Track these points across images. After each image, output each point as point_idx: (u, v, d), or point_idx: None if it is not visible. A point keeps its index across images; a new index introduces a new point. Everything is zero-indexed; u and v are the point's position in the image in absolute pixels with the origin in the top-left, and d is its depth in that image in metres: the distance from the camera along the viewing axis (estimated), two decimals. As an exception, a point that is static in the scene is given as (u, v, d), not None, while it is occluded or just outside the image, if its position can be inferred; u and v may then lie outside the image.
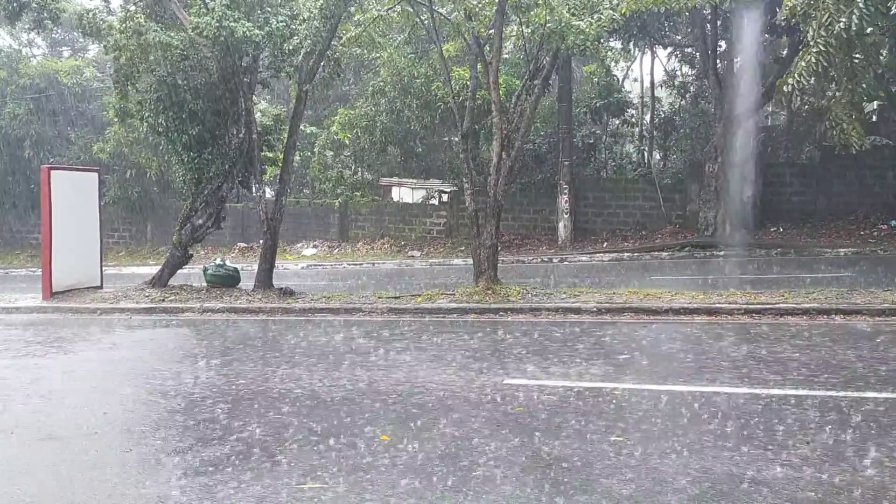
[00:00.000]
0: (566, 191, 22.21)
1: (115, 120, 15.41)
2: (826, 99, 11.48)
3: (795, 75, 10.68)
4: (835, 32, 9.96)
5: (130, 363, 8.34)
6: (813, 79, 11.07)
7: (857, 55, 10.97)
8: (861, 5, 9.69)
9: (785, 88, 10.95)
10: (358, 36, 12.88)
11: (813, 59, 10.30)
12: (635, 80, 29.34)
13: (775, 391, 6.00)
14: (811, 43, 10.39)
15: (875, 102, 21.25)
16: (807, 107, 23.65)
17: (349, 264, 21.69)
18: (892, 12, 11.76)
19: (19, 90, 26.76)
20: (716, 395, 5.96)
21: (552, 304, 10.69)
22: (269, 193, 17.71)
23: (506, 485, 4.22)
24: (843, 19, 9.86)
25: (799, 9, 10.87)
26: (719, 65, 21.93)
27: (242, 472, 4.55)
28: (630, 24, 20.15)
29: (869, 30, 10.42)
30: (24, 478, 4.66)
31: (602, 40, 13.35)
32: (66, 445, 5.29)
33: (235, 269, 14.36)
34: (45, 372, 7.91)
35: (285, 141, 14.25)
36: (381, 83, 22.57)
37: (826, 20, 10.14)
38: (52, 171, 13.56)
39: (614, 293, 11.33)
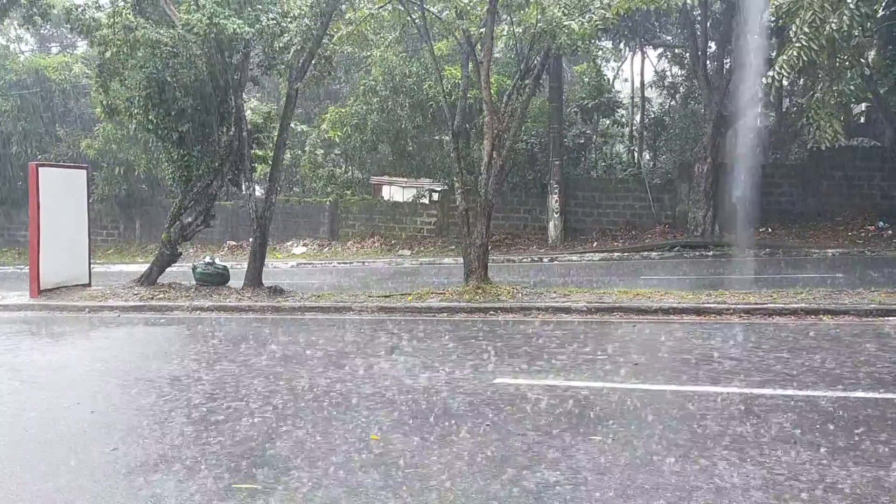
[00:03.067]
0: (556, 190, 22.26)
1: (103, 117, 15.31)
2: (808, 97, 11.54)
3: (776, 68, 10.77)
4: (825, 33, 10.02)
5: (119, 361, 8.29)
6: (802, 79, 11.17)
7: (840, 56, 11.08)
8: (852, 6, 9.76)
9: (764, 80, 11.03)
10: (349, 34, 12.85)
11: (795, 54, 10.37)
12: (625, 80, 29.48)
13: (763, 391, 6.04)
14: (793, 39, 10.48)
15: (863, 104, 21.45)
16: (795, 108, 23.80)
17: (339, 263, 21.65)
18: (879, 14, 11.86)
19: (7, 86, 26.56)
20: (707, 396, 5.99)
21: (542, 304, 10.71)
22: (258, 191, 17.64)
23: (493, 486, 4.23)
24: (834, 20, 9.92)
25: (784, 7, 10.96)
26: (709, 66, 22.05)
27: (235, 472, 4.53)
28: (621, 24, 20.22)
29: (856, 32, 10.51)
30: (9, 479, 4.62)
31: (593, 40, 13.40)
32: (55, 445, 5.25)
33: (225, 267, 14.29)
34: (32, 370, 7.85)
35: (275, 139, 14.20)
36: (373, 81, 22.55)
37: (810, 17, 10.21)
38: (40, 168, 13.46)
39: (604, 293, 11.36)
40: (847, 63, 11.44)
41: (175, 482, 4.38)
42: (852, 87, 11.55)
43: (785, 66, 10.58)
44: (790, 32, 10.75)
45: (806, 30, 10.27)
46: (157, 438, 5.27)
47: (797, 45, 10.36)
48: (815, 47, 10.23)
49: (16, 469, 4.77)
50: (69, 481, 4.49)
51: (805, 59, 10.34)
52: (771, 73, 10.87)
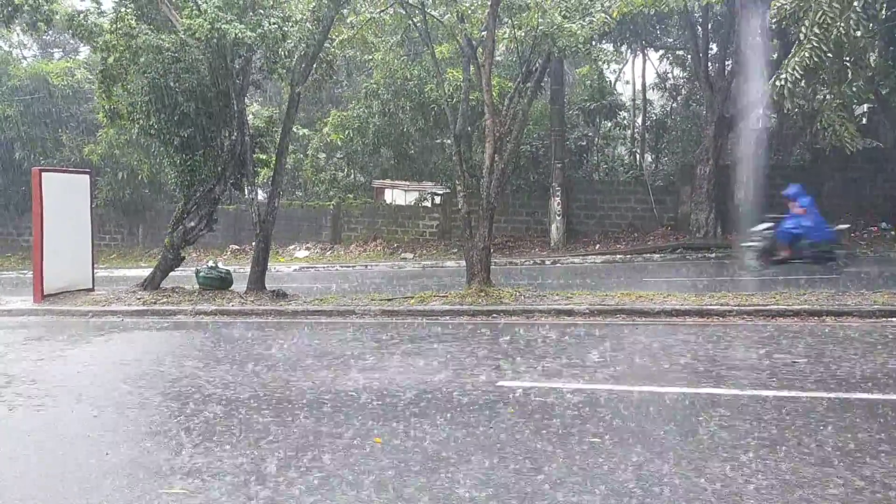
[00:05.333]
0: (558, 193, 22.26)
1: (105, 122, 15.35)
2: (818, 102, 11.49)
3: (789, 70, 10.69)
4: (833, 37, 10.00)
5: (121, 365, 8.31)
6: (803, 80, 11.12)
7: (847, 58, 11.05)
8: (858, 8, 9.76)
9: (777, 83, 10.93)
10: (351, 38, 12.90)
11: (806, 55, 10.33)
12: (627, 82, 29.50)
13: (765, 392, 6.04)
14: (804, 40, 10.43)
15: (865, 105, 21.42)
16: (797, 109, 23.78)
17: (342, 266, 21.66)
18: (881, 16, 11.85)
19: (10, 92, 26.61)
20: (709, 397, 5.99)
21: (545, 306, 10.71)
22: (261, 195, 17.67)
23: (495, 486, 4.23)
24: (841, 23, 9.92)
25: (788, 9, 10.93)
26: (710, 67, 22.05)
27: (234, 475, 4.54)
28: (622, 26, 20.26)
29: (858, 33, 10.49)
30: (11, 481, 4.63)
31: (594, 42, 13.43)
32: (55, 449, 5.27)
33: (228, 271, 14.31)
34: (36, 374, 7.87)
35: (278, 143, 14.23)
36: (374, 85, 22.58)
37: (820, 18, 10.18)
38: (44, 173, 13.51)
39: (607, 295, 11.36)
40: (854, 65, 11.39)
41: (175, 485, 4.40)
42: (854, 89, 11.54)
43: (797, 67, 10.51)
44: (799, 34, 10.68)
45: (816, 31, 10.24)
46: (157, 442, 5.28)
47: (808, 46, 10.32)
48: (826, 49, 10.21)
49: (18, 472, 4.79)
50: (71, 485, 4.50)
51: (816, 59, 10.32)
52: (784, 76, 10.77)
